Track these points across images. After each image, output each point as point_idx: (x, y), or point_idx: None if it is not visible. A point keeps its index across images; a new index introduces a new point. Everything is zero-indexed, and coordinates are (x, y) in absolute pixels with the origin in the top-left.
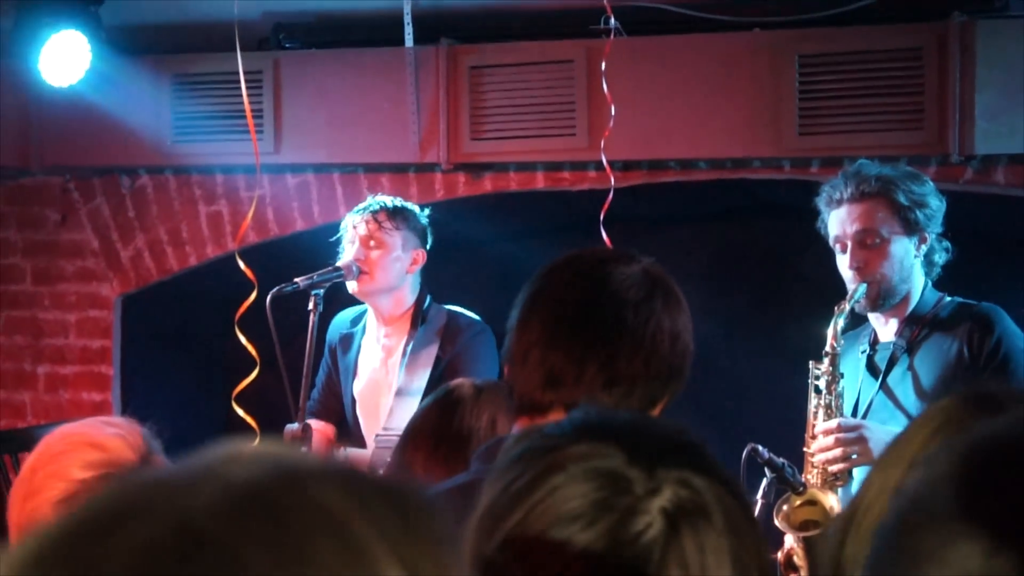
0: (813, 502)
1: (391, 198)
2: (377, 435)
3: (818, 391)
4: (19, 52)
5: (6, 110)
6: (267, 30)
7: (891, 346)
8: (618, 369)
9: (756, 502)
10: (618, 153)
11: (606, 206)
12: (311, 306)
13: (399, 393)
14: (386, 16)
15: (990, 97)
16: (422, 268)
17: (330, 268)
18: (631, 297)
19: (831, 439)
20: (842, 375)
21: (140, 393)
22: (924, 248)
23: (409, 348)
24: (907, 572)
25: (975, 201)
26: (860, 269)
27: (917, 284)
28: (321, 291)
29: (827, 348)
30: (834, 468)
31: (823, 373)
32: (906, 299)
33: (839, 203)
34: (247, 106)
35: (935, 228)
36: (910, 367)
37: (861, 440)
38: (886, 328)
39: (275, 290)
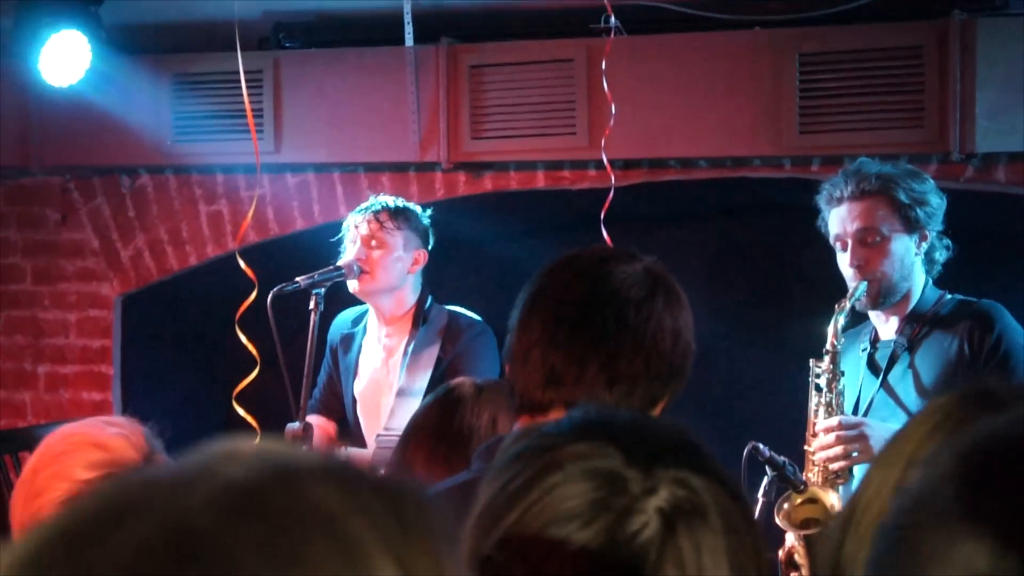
0: (814, 500)
1: (393, 198)
2: (378, 435)
3: (819, 389)
4: (19, 52)
5: (6, 110)
6: (267, 29)
7: (892, 344)
8: (619, 368)
9: (757, 500)
10: (618, 152)
11: (606, 205)
12: (312, 305)
13: (400, 393)
14: (386, 15)
15: (991, 95)
16: (423, 268)
17: (331, 267)
18: (632, 296)
19: (832, 437)
20: (843, 373)
21: (140, 393)
22: (925, 246)
23: (410, 348)
24: (911, 572)
25: (976, 199)
26: (860, 267)
27: (918, 282)
28: (322, 290)
29: (828, 346)
30: (835, 466)
31: (824, 371)
32: (907, 297)
33: (839, 201)
34: (247, 105)
35: (936, 226)
36: (911, 365)
37: (862, 438)
38: (887, 326)
39: (276, 289)
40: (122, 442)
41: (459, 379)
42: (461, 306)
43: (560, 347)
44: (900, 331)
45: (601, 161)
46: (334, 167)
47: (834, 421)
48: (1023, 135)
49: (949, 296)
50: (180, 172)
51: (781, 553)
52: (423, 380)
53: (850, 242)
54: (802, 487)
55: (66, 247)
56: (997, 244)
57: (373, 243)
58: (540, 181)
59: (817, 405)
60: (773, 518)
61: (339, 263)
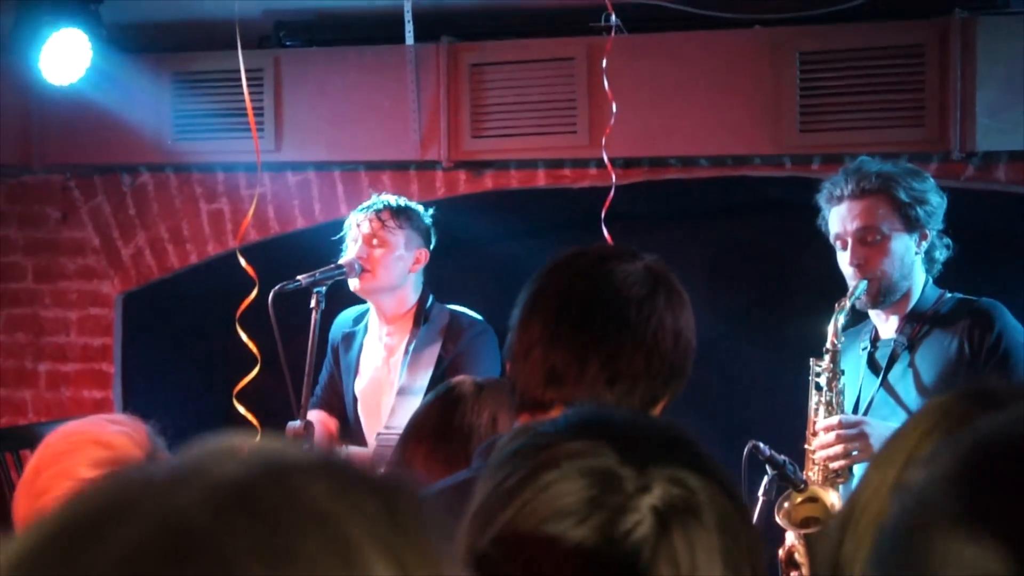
0: (814, 499)
1: (395, 197)
2: (379, 434)
3: (819, 388)
4: (20, 50)
5: (7, 108)
6: (268, 28)
7: (892, 343)
8: (620, 367)
9: (757, 499)
10: (619, 150)
11: (607, 203)
12: (313, 304)
13: (401, 392)
14: (387, 14)
15: (991, 94)
16: (424, 267)
17: (332, 266)
18: (633, 294)
19: (832, 436)
20: (843, 372)
21: (141, 391)
22: (925, 245)
23: (411, 347)
24: (915, 572)
25: (976, 198)
26: (861, 266)
27: (918, 281)
28: (323, 289)
29: (828, 345)
30: (835, 465)
31: (824, 370)
32: (907, 296)
33: (840, 200)
34: (248, 104)
35: (936, 225)
36: (911, 364)
37: (862, 436)
38: (887, 325)
39: (277, 287)
40: (125, 440)
41: (459, 377)
42: (462, 305)
43: (561, 346)
44: (900, 330)
45: (602, 160)
46: (335, 165)
47: (834, 420)
48: (1023, 134)
49: (949, 295)
50: (181, 170)
51: (781, 552)
52: (424, 379)
53: (850, 241)
54: (802, 486)
55: (67, 245)
56: (997, 243)
57: (375, 242)
58: (541, 180)
59: (817, 404)
60: (773, 517)
61: (340, 261)
